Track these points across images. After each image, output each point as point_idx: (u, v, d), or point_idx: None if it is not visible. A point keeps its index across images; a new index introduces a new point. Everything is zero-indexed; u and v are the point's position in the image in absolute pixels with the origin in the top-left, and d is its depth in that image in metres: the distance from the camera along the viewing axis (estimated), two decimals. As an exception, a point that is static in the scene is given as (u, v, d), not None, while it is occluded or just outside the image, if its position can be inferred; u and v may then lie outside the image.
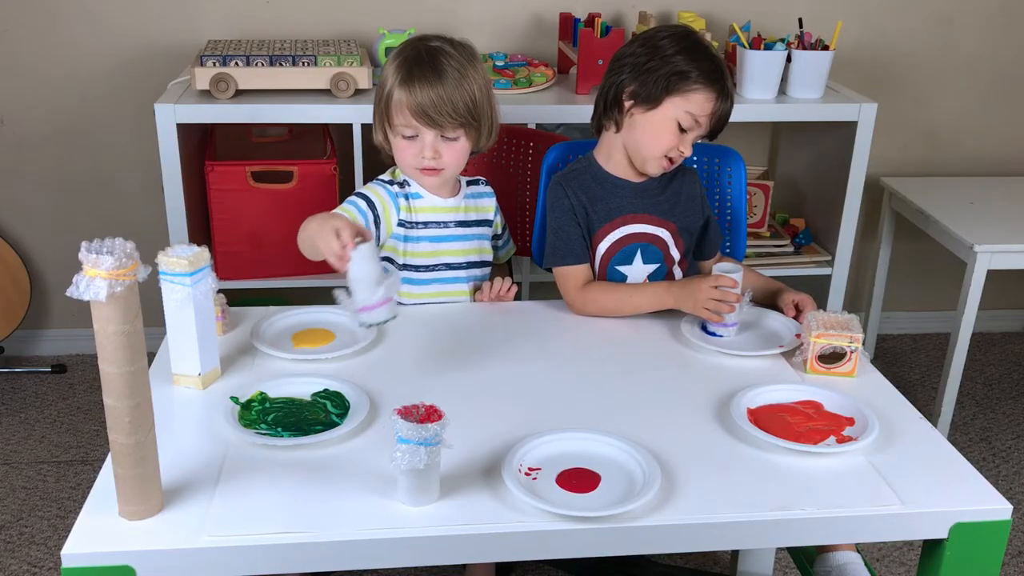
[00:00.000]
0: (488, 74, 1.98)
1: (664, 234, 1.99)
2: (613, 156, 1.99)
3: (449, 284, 2.02)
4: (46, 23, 2.98)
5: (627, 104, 1.92)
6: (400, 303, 1.98)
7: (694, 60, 1.88)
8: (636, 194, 1.99)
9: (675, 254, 2.00)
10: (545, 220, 2.23)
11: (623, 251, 1.98)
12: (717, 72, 1.89)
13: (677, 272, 2.02)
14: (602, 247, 1.98)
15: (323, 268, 2.73)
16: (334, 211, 1.90)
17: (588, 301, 1.92)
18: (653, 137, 1.91)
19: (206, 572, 1.26)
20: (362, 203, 1.93)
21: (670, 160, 1.93)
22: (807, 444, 1.45)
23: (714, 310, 1.78)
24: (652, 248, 1.98)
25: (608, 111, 1.96)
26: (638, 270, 1.98)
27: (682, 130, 1.90)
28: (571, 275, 1.96)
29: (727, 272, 1.81)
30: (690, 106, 1.88)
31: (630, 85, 1.91)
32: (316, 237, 1.64)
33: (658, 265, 1.99)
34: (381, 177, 2.02)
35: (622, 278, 1.99)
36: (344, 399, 1.55)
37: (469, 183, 2.08)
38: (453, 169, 1.97)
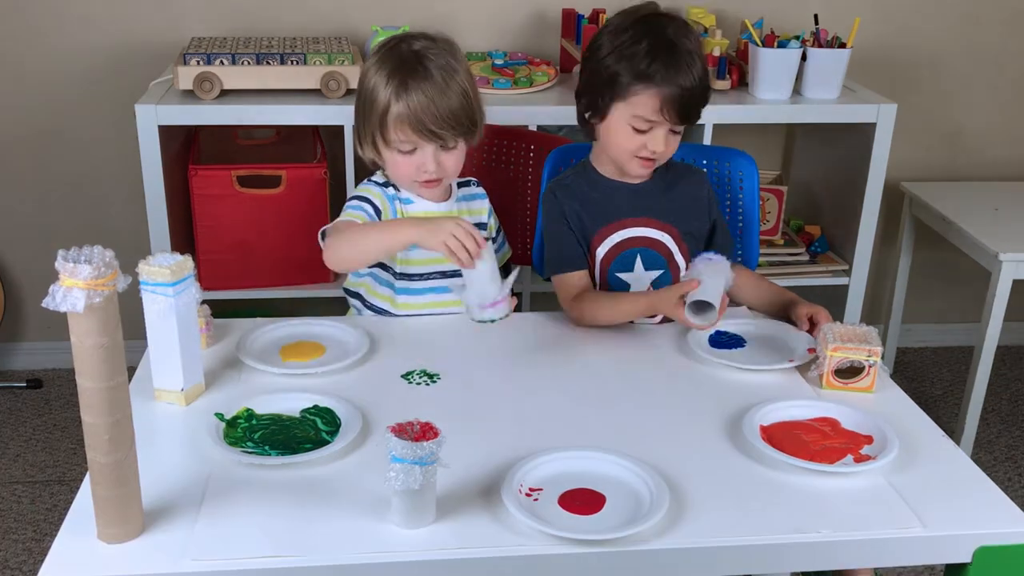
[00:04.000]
0: (468, 64, 1.98)
1: (666, 238, 1.99)
2: (603, 159, 2.01)
3: (445, 293, 2.01)
4: (20, 20, 2.99)
5: (586, 115, 1.96)
6: (395, 315, 1.99)
7: (625, 58, 1.85)
8: (633, 196, 1.99)
9: (680, 260, 2.00)
10: (545, 228, 2.24)
11: (622, 256, 1.98)
12: (650, 62, 1.83)
13: (680, 279, 2.01)
14: (600, 252, 1.99)
15: (313, 278, 2.76)
16: (343, 219, 1.92)
17: (583, 313, 1.93)
18: (615, 143, 1.93)
19: (189, 598, 1.26)
20: (369, 208, 1.94)
21: (645, 159, 1.91)
22: (823, 463, 1.46)
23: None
24: (653, 253, 1.99)
25: (581, 123, 2.00)
26: (640, 276, 1.99)
27: (639, 131, 1.88)
28: (564, 283, 1.98)
29: (707, 259, 1.83)
30: (634, 109, 1.87)
31: (582, 98, 1.96)
32: (432, 232, 1.71)
33: (662, 271, 1.99)
34: (374, 178, 2.02)
35: (624, 286, 1.99)
36: (335, 416, 1.55)
37: (460, 185, 2.09)
38: (452, 177, 1.98)
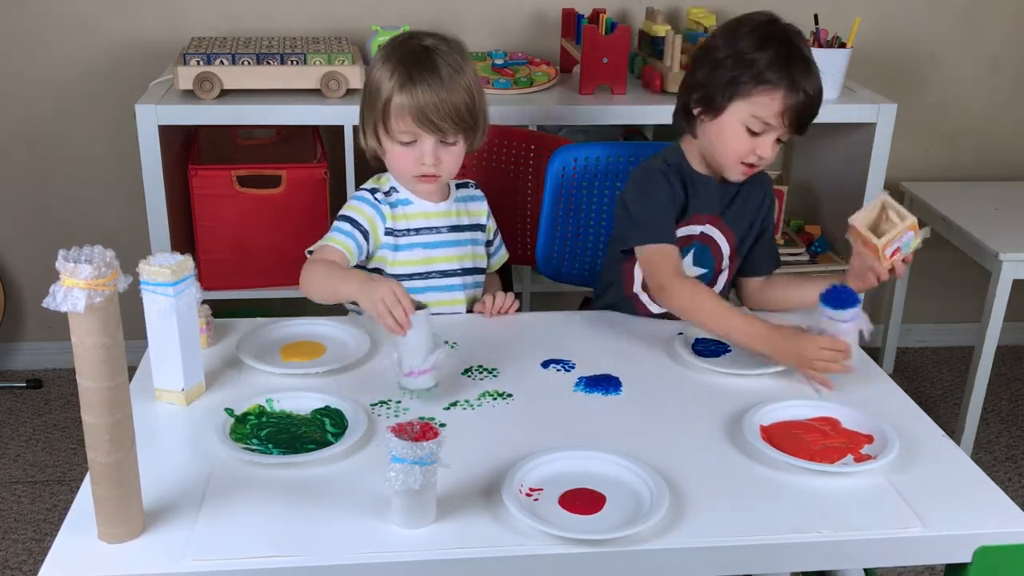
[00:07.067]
0: (477, 70, 1.99)
1: (723, 241, 2.00)
2: (695, 156, 2.00)
3: (443, 292, 2.02)
4: (18, 19, 2.99)
5: (696, 111, 1.94)
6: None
7: (749, 60, 1.84)
8: (716, 193, 1.98)
9: (726, 262, 2.00)
10: (550, 227, 2.24)
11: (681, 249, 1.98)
12: (779, 66, 1.83)
13: (721, 282, 2.01)
14: None
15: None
16: (325, 242, 1.92)
17: (687, 294, 1.84)
18: (724, 145, 1.91)
19: (190, 598, 1.26)
20: (348, 227, 1.94)
21: (749, 165, 1.91)
22: (823, 463, 1.46)
23: (823, 372, 1.69)
24: (706, 250, 1.98)
25: (684, 118, 1.98)
26: (686, 270, 1.98)
27: (753, 134, 1.87)
28: (664, 255, 1.90)
29: (835, 315, 1.68)
30: (755, 109, 1.85)
31: (695, 92, 1.93)
32: (367, 297, 1.66)
33: (705, 271, 1.99)
34: (364, 186, 2.02)
35: None
36: (344, 417, 1.55)
37: (459, 186, 2.09)
38: (450, 175, 1.98)
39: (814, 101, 1.87)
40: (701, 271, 2.00)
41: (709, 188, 1.99)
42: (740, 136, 1.88)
